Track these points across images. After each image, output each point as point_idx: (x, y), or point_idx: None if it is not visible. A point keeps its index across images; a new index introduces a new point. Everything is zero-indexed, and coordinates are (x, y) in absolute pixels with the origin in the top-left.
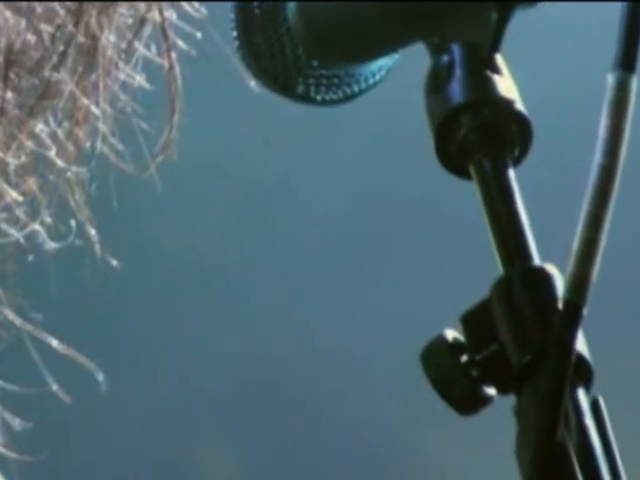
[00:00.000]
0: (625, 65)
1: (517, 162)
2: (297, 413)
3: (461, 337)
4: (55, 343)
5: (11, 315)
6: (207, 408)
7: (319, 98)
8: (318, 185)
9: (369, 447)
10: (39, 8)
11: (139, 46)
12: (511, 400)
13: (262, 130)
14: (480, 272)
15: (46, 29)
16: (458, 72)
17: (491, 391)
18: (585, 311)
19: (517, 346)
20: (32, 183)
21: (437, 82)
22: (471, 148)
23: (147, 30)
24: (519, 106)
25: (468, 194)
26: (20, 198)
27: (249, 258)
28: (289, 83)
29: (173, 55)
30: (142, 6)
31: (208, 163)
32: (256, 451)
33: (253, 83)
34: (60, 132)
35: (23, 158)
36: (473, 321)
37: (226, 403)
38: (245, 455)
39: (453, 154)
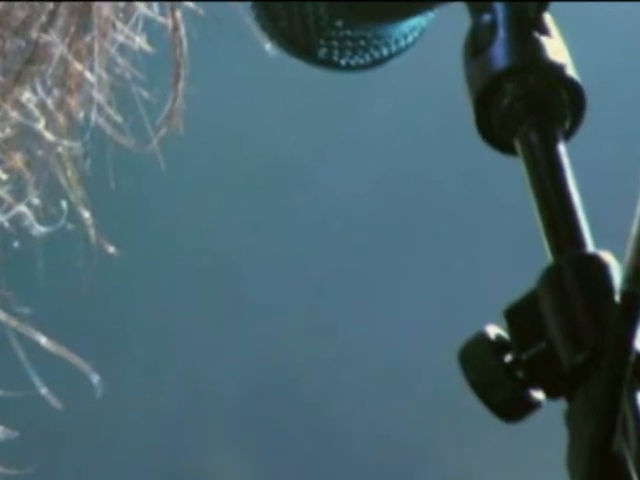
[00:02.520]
0: None
1: (568, 135)
2: (316, 421)
3: (505, 334)
4: (44, 340)
5: None
6: (218, 415)
7: (343, 63)
8: (341, 165)
9: (392, 457)
10: None
11: (139, 4)
12: (562, 405)
13: (278, 101)
14: (526, 261)
15: None
16: (501, 33)
17: (539, 395)
18: None
19: (568, 344)
20: (18, 159)
21: (478, 45)
22: (516, 119)
23: None
24: (570, 71)
25: (513, 171)
26: (4, 176)
27: (263, 249)
28: (309, 46)
29: (178, 14)
30: None
31: (217, 137)
32: (272, 463)
33: (269, 46)
34: (50, 101)
35: (8, 131)
36: (518, 316)
37: (239, 410)
38: (260, 467)
39: (496, 126)
